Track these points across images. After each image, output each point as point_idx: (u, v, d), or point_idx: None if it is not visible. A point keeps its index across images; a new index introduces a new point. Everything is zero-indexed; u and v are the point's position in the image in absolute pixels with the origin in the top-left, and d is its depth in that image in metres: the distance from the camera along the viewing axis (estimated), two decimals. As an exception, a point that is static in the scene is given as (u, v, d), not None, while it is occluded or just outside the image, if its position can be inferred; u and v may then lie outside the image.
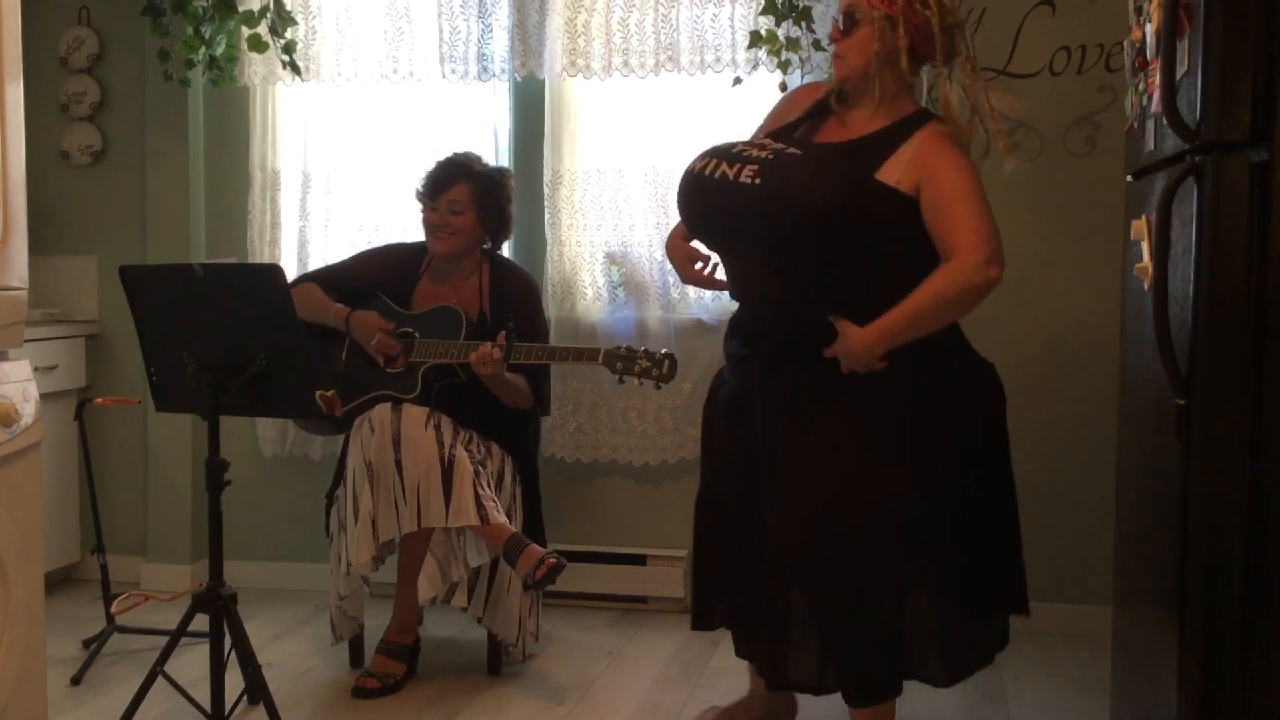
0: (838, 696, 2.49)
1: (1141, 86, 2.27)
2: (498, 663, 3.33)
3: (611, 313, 3.93)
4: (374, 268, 3.51)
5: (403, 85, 4.01)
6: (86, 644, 3.48)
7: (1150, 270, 2.11)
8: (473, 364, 3.14)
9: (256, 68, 4.05)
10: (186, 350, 2.67)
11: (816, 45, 3.62)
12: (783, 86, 3.50)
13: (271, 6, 3.93)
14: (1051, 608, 3.53)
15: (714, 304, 3.83)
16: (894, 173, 2.41)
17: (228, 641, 2.66)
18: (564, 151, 3.91)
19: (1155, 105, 2.05)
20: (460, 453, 3.12)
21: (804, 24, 3.62)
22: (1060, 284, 3.63)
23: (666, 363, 3.09)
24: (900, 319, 2.36)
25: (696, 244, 2.69)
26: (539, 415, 3.55)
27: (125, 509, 4.23)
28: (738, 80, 3.70)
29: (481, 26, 3.92)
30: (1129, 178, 2.47)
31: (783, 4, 3.62)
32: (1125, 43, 2.43)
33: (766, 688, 2.66)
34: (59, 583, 4.16)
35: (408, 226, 3.84)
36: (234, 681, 2.72)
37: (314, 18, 4.01)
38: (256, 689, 2.74)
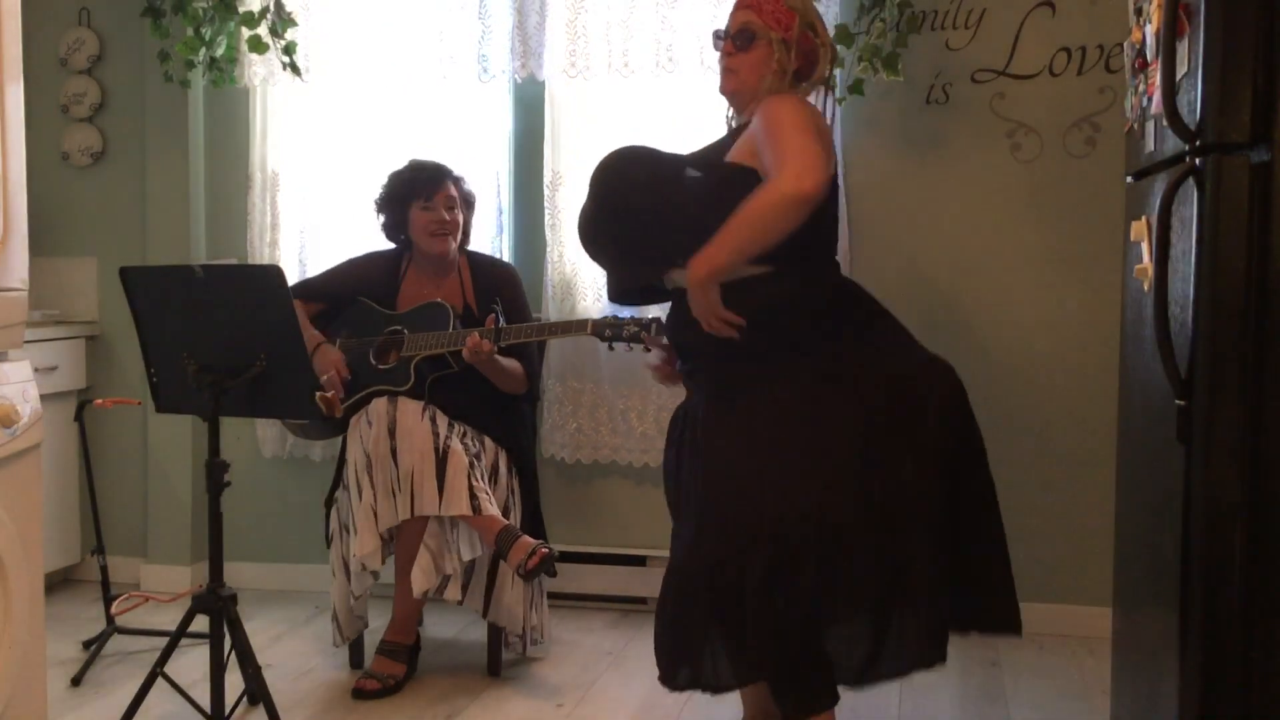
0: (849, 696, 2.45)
1: (1141, 88, 2.27)
2: (498, 663, 3.34)
3: (611, 313, 3.91)
4: (355, 276, 3.55)
5: (403, 86, 4.01)
6: (86, 645, 3.48)
7: (1150, 271, 2.11)
8: (465, 355, 3.18)
9: (256, 69, 4.05)
10: (187, 351, 2.67)
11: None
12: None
13: (272, 7, 3.93)
14: (1051, 608, 3.55)
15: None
16: (739, 152, 2.50)
17: (228, 642, 2.66)
18: (564, 152, 3.91)
19: (1155, 106, 2.05)
20: (455, 444, 3.16)
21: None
22: (1060, 284, 3.62)
23: (654, 324, 3.11)
24: (718, 241, 2.32)
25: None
26: (530, 404, 3.58)
27: (125, 510, 4.23)
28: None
29: (481, 27, 3.92)
30: (1129, 179, 2.47)
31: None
32: (1125, 44, 2.43)
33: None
34: (59, 583, 4.16)
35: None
36: (234, 682, 2.72)
37: (314, 19, 4.01)
38: (256, 690, 2.74)
